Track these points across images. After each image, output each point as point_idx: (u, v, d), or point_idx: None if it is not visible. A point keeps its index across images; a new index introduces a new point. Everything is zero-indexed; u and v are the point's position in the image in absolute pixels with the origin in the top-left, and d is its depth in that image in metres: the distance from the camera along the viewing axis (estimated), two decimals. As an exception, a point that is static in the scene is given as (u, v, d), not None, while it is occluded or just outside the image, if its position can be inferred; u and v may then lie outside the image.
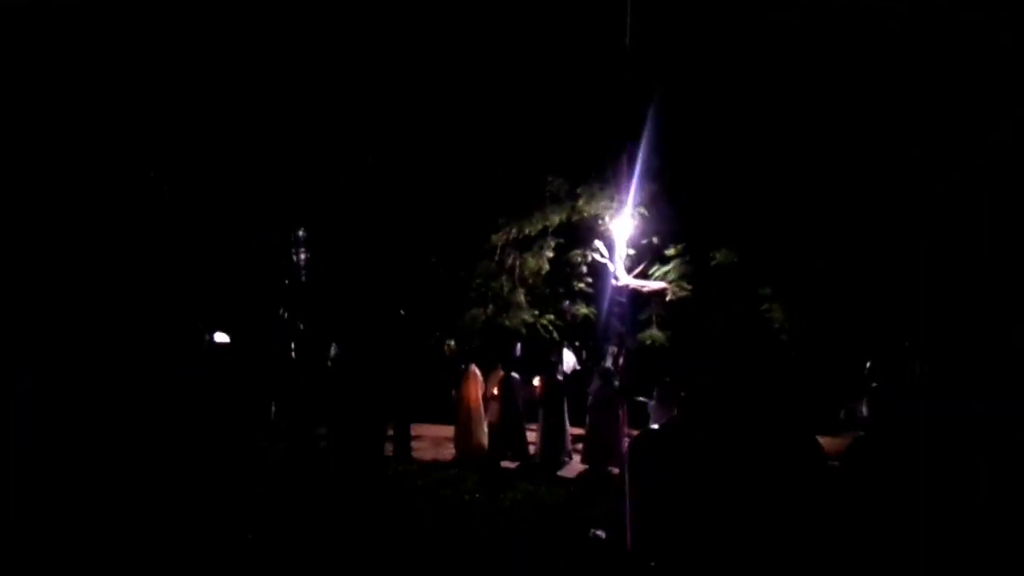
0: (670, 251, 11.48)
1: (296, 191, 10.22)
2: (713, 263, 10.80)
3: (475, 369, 12.06)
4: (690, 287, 10.97)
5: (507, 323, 11.37)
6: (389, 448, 11.39)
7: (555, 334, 11.88)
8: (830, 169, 10.89)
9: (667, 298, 11.34)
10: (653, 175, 11.30)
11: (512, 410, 11.81)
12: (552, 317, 11.81)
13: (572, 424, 12.01)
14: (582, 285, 12.09)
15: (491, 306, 11.62)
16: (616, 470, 10.98)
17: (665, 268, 11.72)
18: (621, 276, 11.63)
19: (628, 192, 11.22)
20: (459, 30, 10.03)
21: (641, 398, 12.09)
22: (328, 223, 10.37)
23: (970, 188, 9.90)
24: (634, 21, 10.56)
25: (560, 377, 11.79)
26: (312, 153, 10.08)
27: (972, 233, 9.92)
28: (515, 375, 12.04)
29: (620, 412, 11.19)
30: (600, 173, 11.07)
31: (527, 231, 11.33)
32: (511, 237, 11.42)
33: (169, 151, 9.43)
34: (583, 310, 12.11)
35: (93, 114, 9.25)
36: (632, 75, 10.78)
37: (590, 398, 11.55)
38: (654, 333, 12.28)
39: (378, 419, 10.40)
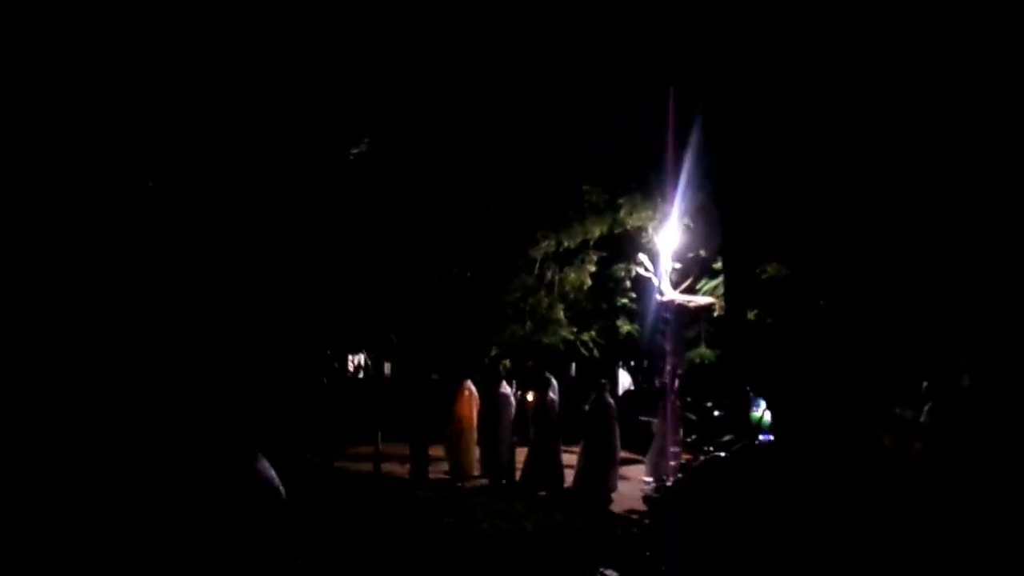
0: (718, 264, 10.87)
1: (313, 201, 9.97)
2: (763, 276, 10.14)
3: (470, 386, 11.64)
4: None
5: (545, 340, 10.89)
6: (406, 469, 11.04)
7: (595, 351, 11.35)
8: (886, 175, 10.17)
9: (715, 314, 10.71)
10: (699, 184, 10.72)
11: (492, 429, 11.34)
12: (593, 334, 11.29)
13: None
14: (625, 301, 11.56)
15: (529, 323, 11.17)
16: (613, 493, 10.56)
17: (714, 283, 11.12)
18: (666, 291, 11.04)
19: (673, 202, 10.67)
20: (492, 34, 9.70)
21: (644, 417, 11.48)
22: (357, 238, 10.10)
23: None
24: (678, 21, 10.07)
25: (553, 395, 11.19)
26: (334, 162, 9.84)
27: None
28: (506, 391, 11.49)
29: (615, 431, 10.60)
30: (642, 182, 10.52)
31: (567, 244, 10.86)
32: (550, 251, 10.97)
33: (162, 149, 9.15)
34: (627, 327, 11.55)
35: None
36: (676, 77, 10.26)
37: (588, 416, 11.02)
38: (703, 351, 11.68)
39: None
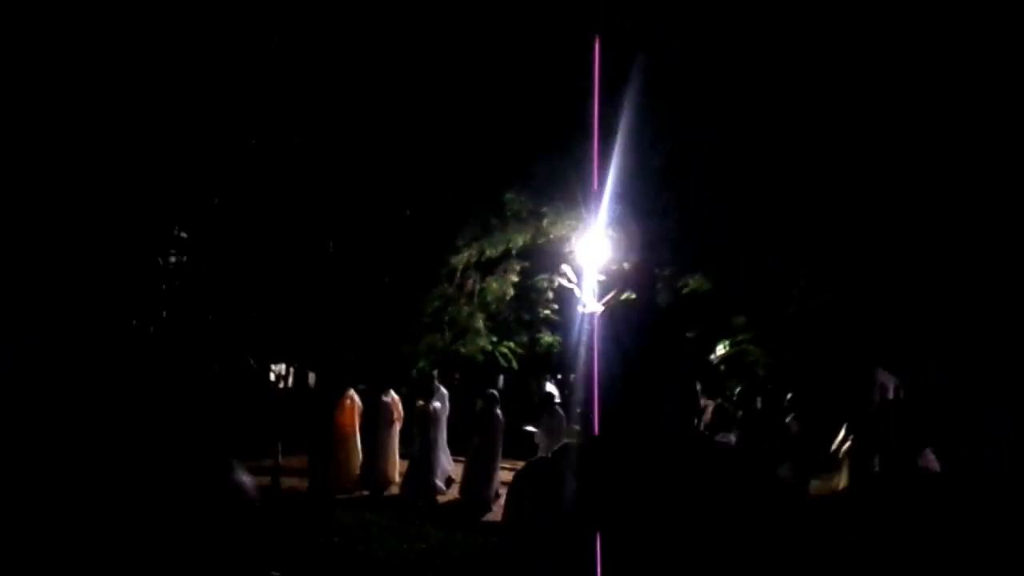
0: (641, 277, 10.76)
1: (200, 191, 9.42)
2: (684, 290, 10.06)
3: (353, 394, 11.42)
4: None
5: (463, 350, 10.60)
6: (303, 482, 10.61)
7: (514, 363, 11.11)
8: (815, 188, 10.20)
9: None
10: (621, 195, 10.58)
11: (372, 438, 11.28)
12: (512, 345, 11.05)
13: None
14: (548, 312, 11.35)
15: (448, 332, 10.85)
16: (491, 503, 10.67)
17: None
18: (589, 303, 10.87)
19: (596, 213, 10.50)
20: (419, 31, 9.36)
21: (529, 427, 11.58)
22: (257, 234, 9.59)
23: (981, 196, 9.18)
24: (608, 23, 9.90)
25: (437, 404, 11.30)
26: (240, 149, 9.32)
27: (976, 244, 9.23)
28: (387, 400, 11.44)
29: (498, 443, 10.73)
30: (566, 191, 10.34)
31: (489, 253, 10.59)
32: (472, 260, 10.69)
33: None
34: (548, 339, 11.34)
35: None
36: (601, 85, 10.09)
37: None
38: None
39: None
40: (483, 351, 10.79)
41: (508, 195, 10.13)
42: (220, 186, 9.42)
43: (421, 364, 11.66)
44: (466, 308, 10.85)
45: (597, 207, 10.50)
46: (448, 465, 11.60)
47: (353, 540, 7.46)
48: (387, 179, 9.76)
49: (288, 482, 10.64)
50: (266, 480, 10.70)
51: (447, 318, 10.91)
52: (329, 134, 9.37)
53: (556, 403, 11.45)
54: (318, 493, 10.38)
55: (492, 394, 11.02)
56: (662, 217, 10.76)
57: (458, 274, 10.88)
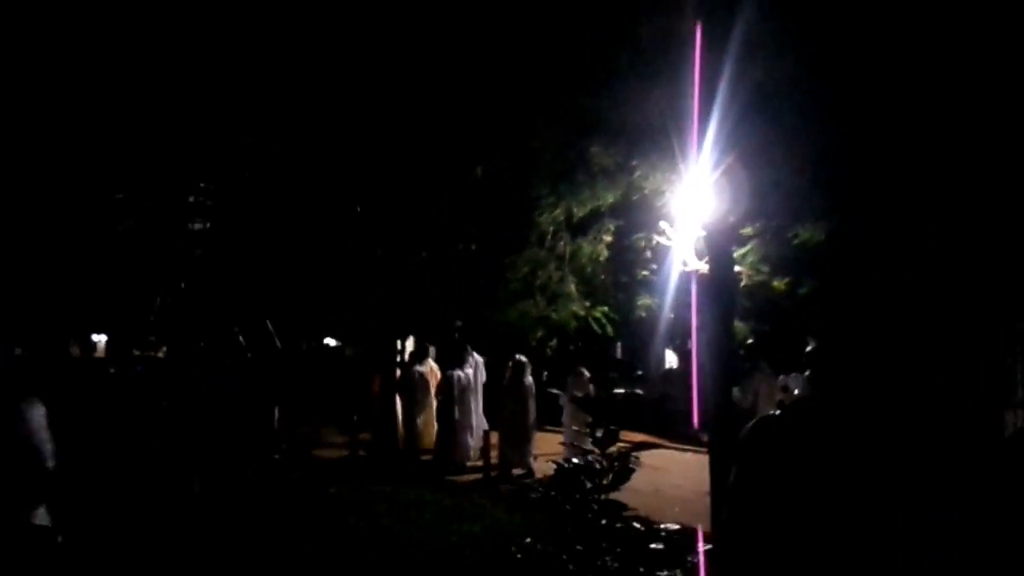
0: (747, 230, 9.67)
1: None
2: (795, 242, 8.93)
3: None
4: (768, 271, 9.13)
5: (554, 316, 9.97)
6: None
7: (609, 329, 10.36)
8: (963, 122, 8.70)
9: (741, 283, 9.57)
10: (726, 142, 9.48)
11: (408, 408, 11.47)
12: (606, 309, 10.31)
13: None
14: (646, 273, 10.50)
15: (540, 298, 10.25)
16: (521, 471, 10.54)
17: (743, 250, 9.93)
18: (690, 261, 9.91)
19: (696, 163, 9.48)
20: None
21: (554, 390, 11.48)
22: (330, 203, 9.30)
23: None
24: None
25: (469, 371, 11.33)
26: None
27: None
28: (420, 370, 11.57)
29: (528, 411, 10.66)
30: (658, 142, 9.37)
31: (577, 212, 9.86)
32: (560, 219, 10.00)
33: None
34: (645, 301, 10.50)
35: None
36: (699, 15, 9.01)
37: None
38: (736, 325, 10.51)
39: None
40: (575, 317, 10.12)
41: (594, 148, 9.30)
42: (264, 141, 9.19)
43: (540, 334, 11.25)
44: (557, 272, 10.21)
45: (697, 156, 9.50)
46: (474, 436, 11.47)
47: (406, 520, 7.04)
48: (459, 135, 9.17)
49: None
50: (346, 452, 10.85)
51: (539, 284, 10.31)
52: (398, 87, 8.86)
53: (583, 368, 11.39)
54: (386, 465, 10.48)
55: (521, 361, 10.90)
56: (776, 159, 9.60)
57: (548, 236, 10.24)
